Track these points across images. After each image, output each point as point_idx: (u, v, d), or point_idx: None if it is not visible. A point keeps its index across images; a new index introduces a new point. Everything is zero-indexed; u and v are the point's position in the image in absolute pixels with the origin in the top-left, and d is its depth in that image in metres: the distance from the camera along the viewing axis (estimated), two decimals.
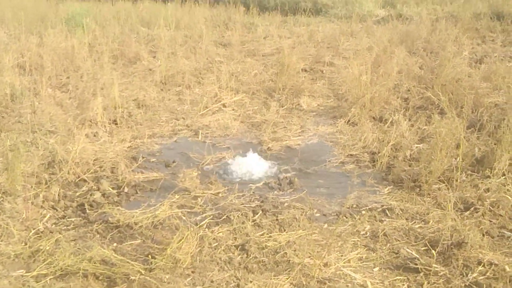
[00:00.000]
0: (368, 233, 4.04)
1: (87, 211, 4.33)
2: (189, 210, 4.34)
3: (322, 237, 3.94)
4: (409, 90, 7.35)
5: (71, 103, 6.90)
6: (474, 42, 10.68)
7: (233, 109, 7.08)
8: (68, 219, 4.21)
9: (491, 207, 4.36)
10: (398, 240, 3.95)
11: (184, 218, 4.20)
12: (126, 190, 4.72)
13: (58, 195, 4.55)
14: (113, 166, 5.15)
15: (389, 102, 6.89)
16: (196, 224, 4.07)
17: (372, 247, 3.86)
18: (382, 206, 4.46)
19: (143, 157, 5.47)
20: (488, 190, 4.60)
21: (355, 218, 4.23)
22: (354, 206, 4.48)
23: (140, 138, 6.04)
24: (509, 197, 4.45)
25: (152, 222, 4.10)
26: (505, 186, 4.62)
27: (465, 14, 12.36)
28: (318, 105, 7.25)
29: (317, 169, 5.29)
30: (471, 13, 12.56)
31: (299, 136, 6.19)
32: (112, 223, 4.10)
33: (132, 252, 3.73)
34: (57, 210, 4.34)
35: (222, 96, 7.41)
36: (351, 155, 5.58)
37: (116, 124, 6.45)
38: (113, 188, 4.73)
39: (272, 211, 4.32)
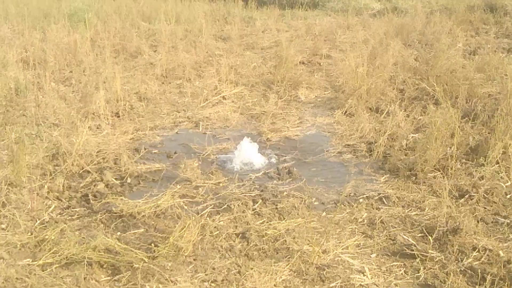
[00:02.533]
0: (366, 221, 4.16)
1: (91, 201, 4.43)
2: (190, 200, 4.46)
3: (321, 224, 4.06)
4: (404, 81, 7.48)
5: (74, 96, 7.00)
6: (468, 34, 10.82)
7: (232, 101, 7.19)
8: (72, 209, 4.32)
9: (485, 194, 4.48)
10: (395, 227, 4.07)
11: (185, 207, 4.32)
12: (129, 180, 4.83)
13: (63, 186, 4.66)
14: (116, 157, 5.25)
15: (385, 93, 7.01)
16: (198, 213, 4.18)
17: (369, 234, 3.98)
18: (379, 194, 4.58)
19: (145, 149, 5.59)
20: (482, 178, 4.73)
21: (352, 206, 4.35)
22: (352, 194, 4.60)
23: (142, 130, 6.15)
24: (503, 185, 4.59)
25: (155, 211, 4.21)
26: (498, 173, 4.75)
27: (459, 7, 12.49)
28: (315, 96, 7.37)
29: (315, 159, 5.41)
30: (465, 5, 12.69)
31: (298, 127, 6.31)
32: (115, 213, 4.21)
33: (136, 241, 3.83)
34: (61, 201, 4.45)
35: (222, 89, 7.52)
36: (348, 145, 5.70)
37: (119, 116, 6.56)
38: (116, 179, 4.84)
39: (271, 200, 4.44)
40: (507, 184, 4.58)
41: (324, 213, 4.27)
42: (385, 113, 6.31)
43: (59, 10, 12.80)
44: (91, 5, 13.37)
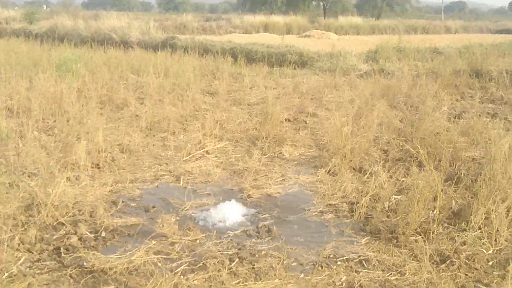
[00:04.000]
0: (344, 284, 4.04)
1: (63, 254, 4.29)
2: (165, 257, 4.32)
3: (298, 287, 3.94)
4: (389, 142, 7.48)
5: (56, 146, 6.92)
6: (453, 98, 10.98)
7: (216, 156, 7.14)
8: (43, 263, 4.18)
9: (466, 260, 4.38)
10: None
11: (160, 264, 4.18)
12: (103, 234, 4.70)
13: (35, 238, 4.52)
14: (92, 210, 5.13)
15: (369, 153, 7.00)
16: (171, 271, 4.06)
17: None
18: (359, 256, 4.47)
19: (123, 202, 5.48)
20: (464, 243, 4.64)
21: (331, 269, 4.24)
22: (331, 256, 4.48)
23: (121, 183, 6.05)
24: (485, 251, 4.50)
25: (127, 267, 4.07)
26: (480, 239, 4.67)
27: (445, 71, 12.71)
28: (299, 154, 7.33)
29: (296, 218, 5.31)
30: (451, 70, 12.93)
31: (280, 184, 6.23)
32: (86, 268, 4.07)
33: None
34: (32, 253, 4.30)
35: (206, 143, 7.48)
36: (330, 204, 5.62)
37: (99, 168, 6.47)
38: (90, 232, 4.71)
39: (249, 259, 4.31)
40: (489, 252, 4.49)
41: (302, 275, 4.14)
42: (368, 173, 6.26)
43: (49, 60, 12.88)
44: (81, 56, 13.48)
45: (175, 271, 4.06)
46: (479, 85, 12.36)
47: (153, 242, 4.53)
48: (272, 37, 26.80)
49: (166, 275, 3.86)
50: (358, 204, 5.41)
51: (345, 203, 5.62)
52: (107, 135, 7.55)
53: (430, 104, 8.65)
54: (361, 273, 4.19)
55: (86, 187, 5.70)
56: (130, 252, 4.29)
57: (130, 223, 5.00)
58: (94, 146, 6.88)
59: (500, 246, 4.59)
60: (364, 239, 4.81)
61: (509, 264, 4.13)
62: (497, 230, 4.69)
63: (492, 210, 4.81)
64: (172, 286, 3.69)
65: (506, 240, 4.68)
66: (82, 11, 47.37)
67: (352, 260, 4.39)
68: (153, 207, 5.42)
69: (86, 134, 7.20)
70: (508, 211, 4.91)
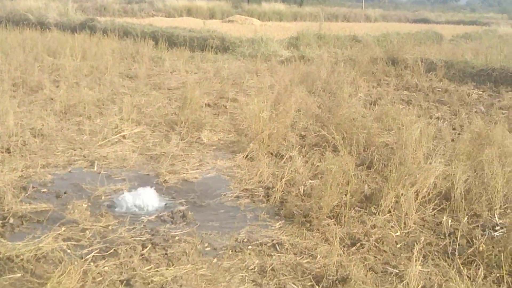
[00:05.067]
0: (257, 268, 4.06)
1: None
2: (75, 243, 4.21)
3: (210, 272, 3.93)
4: (306, 128, 7.58)
5: None
6: (370, 85, 11.26)
7: (133, 141, 7.01)
8: None
9: (376, 243, 4.50)
10: (285, 275, 3.99)
11: (69, 251, 4.07)
12: (11, 221, 4.52)
13: None
14: (0, 195, 4.94)
15: (287, 138, 7.07)
16: (81, 258, 3.96)
17: (259, 282, 3.87)
18: (273, 240, 4.50)
19: (33, 187, 5.29)
20: (374, 226, 4.77)
21: (244, 253, 4.26)
22: (245, 240, 4.49)
23: (32, 168, 5.84)
24: (393, 234, 4.65)
25: (35, 255, 3.93)
26: (389, 222, 4.82)
27: (363, 58, 13.00)
28: (218, 139, 7.31)
29: (212, 203, 5.30)
30: (369, 57, 13.23)
31: (197, 169, 6.19)
32: None
33: (10, 286, 3.56)
34: None
35: (123, 128, 7.33)
36: (246, 189, 5.63)
37: (9, 152, 6.23)
38: None
39: (162, 245, 4.27)
40: (397, 234, 4.65)
41: (215, 260, 4.13)
42: (285, 158, 6.33)
43: None
44: None
45: (85, 258, 3.97)
46: (395, 72, 12.73)
47: (63, 228, 4.40)
48: (195, 22, 26.56)
49: (75, 262, 3.77)
50: (273, 189, 5.45)
51: (261, 188, 5.65)
52: (19, 119, 7.28)
53: (347, 90, 8.81)
54: (273, 257, 4.23)
55: None
56: (39, 239, 4.15)
57: (40, 209, 4.84)
58: (4, 130, 6.62)
59: (408, 229, 4.76)
60: (278, 223, 4.85)
61: (415, 246, 4.27)
62: (406, 214, 4.84)
63: (402, 194, 4.96)
64: (81, 273, 3.60)
65: (414, 223, 4.85)
66: None
67: (265, 244, 4.42)
68: (65, 192, 5.26)
69: None
70: (417, 195, 5.08)
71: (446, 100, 10.09)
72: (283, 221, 4.91)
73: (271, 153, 6.67)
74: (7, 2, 24.62)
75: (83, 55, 12.63)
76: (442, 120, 8.49)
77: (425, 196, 5.18)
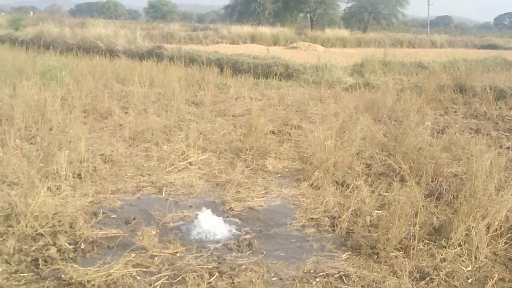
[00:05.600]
0: None
1: (41, 266, 4.25)
2: (144, 270, 4.29)
3: None
4: (372, 157, 7.50)
5: (38, 155, 6.85)
6: (437, 112, 11.06)
7: (199, 168, 7.11)
8: (20, 274, 4.13)
9: (446, 278, 4.38)
10: None
11: (138, 277, 4.15)
12: (82, 246, 4.65)
13: (13, 248, 4.47)
14: (72, 221, 5.09)
15: (352, 167, 7.01)
16: (150, 285, 4.02)
17: None
18: (339, 272, 4.45)
19: (103, 213, 5.44)
20: (444, 260, 4.64)
21: (311, 284, 4.22)
22: (312, 271, 4.46)
23: (103, 193, 6.01)
24: (464, 269, 4.51)
25: (106, 280, 4.02)
26: (460, 257, 4.68)
27: (430, 86, 12.80)
28: (283, 167, 7.32)
29: (278, 232, 5.29)
30: (435, 84, 13.01)
31: (263, 197, 6.21)
32: (64, 280, 4.02)
33: None
34: (10, 264, 4.25)
35: (190, 154, 7.45)
36: (312, 218, 5.60)
37: (80, 178, 6.42)
38: (69, 244, 4.67)
39: (228, 274, 4.29)
40: (468, 269, 4.50)
41: None
42: (350, 187, 6.27)
43: (33, 67, 12.81)
44: (66, 64, 13.42)
45: (154, 285, 4.03)
46: (463, 100, 12.46)
47: (133, 254, 4.49)
48: (259, 48, 26.89)
49: None
50: (339, 219, 5.40)
51: (326, 218, 5.60)
52: (90, 145, 7.51)
53: (413, 118, 8.69)
54: None
55: (66, 198, 5.65)
56: (109, 265, 4.24)
57: (110, 235, 4.96)
58: (76, 155, 6.84)
59: (479, 264, 4.60)
60: (345, 254, 4.79)
61: (488, 282, 4.14)
62: (477, 247, 4.70)
63: (472, 227, 4.83)
64: None
65: (485, 258, 4.69)
66: (68, 18, 47.26)
67: (332, 276, 4.38)
68: (134, 219, 5.38)
69: (68, 144, 7.17)
70: (488, 228, 4.93)
71: None
72: (349, 252, 4.84)
73: (336, 182, 6.62)
74: (78, 30, 25.66)
75: (151, 82, 12.98)
76: None
77: (496, 229, 5.02)
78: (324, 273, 4.41)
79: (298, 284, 4.19)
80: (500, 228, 5.04)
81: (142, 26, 39.07)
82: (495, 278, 4.34)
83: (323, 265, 4.57)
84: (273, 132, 9.06)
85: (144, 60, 17.06)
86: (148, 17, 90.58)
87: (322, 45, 33.66)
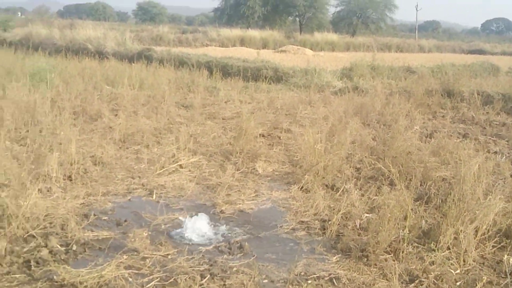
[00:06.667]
0: None
1: (33, 267, 4.25)
2: (136, 272, 4.30)
3: None
4: (361, 160, 7.55)
5: (28, 157, 6.84)
6: (425, 117, 11.18)
7: (189, 170, 7.13)
8: (12, 276, 4.13)
9: (435, 280, 4.43)
10: None
11: (130, 279, 4.16)
12: (74, 248, 4.66)
13: (5, 250, 4.47)
14: (64, 222, 5.09)
15: (342, 171, 7.06)
16: (142, 286, 4.05)
17: None
18: (330, 274, 4.49)
19: (94, 215, 5.44)
20: (433, 263, 4.69)
21: (302, 286, 4.26)
22: (302, 273, 4.50)
23: (93, 196, 6.01)
24: (453, 272, 4.57)
25: (98, 282, 4.04)
26: (449, 260, 4.73)
27: (418, 90, 12.94)
28: (273, 170, 7.36)
29: (268, 234, 5.33)
30: (424, 89, 13.16)
31: (253, 200, 6.24)
32: (56, 282, 4.03)
33: None
34: (2, 266, 4.26)
35: (180, 157, 7.47)
36: (302, 221, 5.65)
37: (71, 180, 6.43)
38: (61, 245, 4.67)
39: (220, 276, 4.32)
40: (457, 272, 4.56)
41: None
42: (340, 191, 6.32)
43: (22, 69, 12.77)
44: (55, 65, 13.40)
45: (146, 287, 4.05)
46: (451, 105, 12.59)
47: (125, 256, 4.51)
48: (249, 51, 26.98)
49: None
50: (329, 222, 5.45)
51: (317, 221, 5.65)
52: (80, 147, 7.50)
53: (402, 123, 8.78)
54: None
55: (57, 199, 5.66)
56: (101, 267, 4.25)
57: (102, 236, 4.97)
58: (66, 157, 6.84)
59: (468, 267, 4.66)
60: (335, 257, 4.84)
61: (476, 285, 4.20)
62: (465, 251, 4.76)
63: (461, 230, 4.89)
64: None
65: (474, 261, 4.75)
66: (57, 20, 47.04)
67: (322, 278, 4.42)
68: (125, 221, 5.39)
69: (58, 145, 7.16)
70: (476, 232, 5.00)
71: (504, 134, 9.91)
72: (339, 255, 4.89)
73: (326, 185, 6.67)
74: (67, 32, 25.58)
75: (141, 84, 12.98)
76: (500, 155, 8.33)
77: (484, 233, 5.09)
78: (315, 276, 4.45)
79: (289, 287, 4.23)
80: (488, 231, 5.11)
81: (131, 28, 39.05)
82: (483, 281, 4.40)
83: (314, 268, 4.61)
84: (263, 136, 9.10)
85: (134, 62, 17.03)
86: (137, 19, 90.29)
87: (311, 49, 33.80)
